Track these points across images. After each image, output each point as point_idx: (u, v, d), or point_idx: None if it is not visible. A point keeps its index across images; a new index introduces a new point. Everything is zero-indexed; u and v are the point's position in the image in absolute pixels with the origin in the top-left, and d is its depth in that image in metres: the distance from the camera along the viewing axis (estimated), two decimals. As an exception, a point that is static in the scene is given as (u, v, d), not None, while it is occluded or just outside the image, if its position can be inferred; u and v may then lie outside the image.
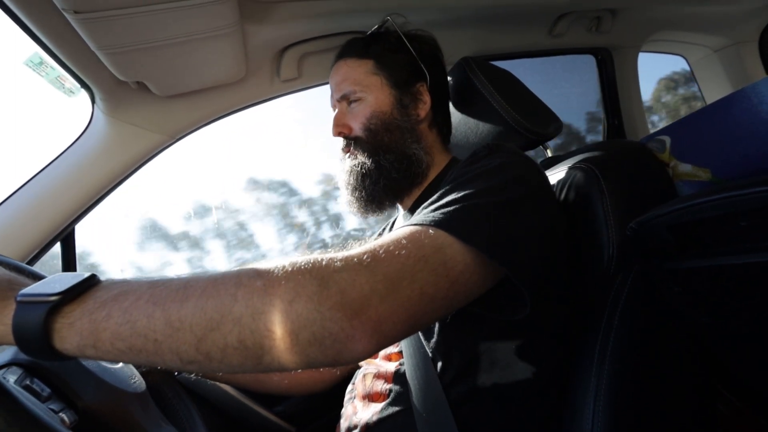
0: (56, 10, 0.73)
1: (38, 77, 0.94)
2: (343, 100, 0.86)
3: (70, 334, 0.42)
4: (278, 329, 0.42)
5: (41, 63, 0.92)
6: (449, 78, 1.00)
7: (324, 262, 0.46)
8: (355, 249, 0.49)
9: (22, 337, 0.42)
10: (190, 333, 0.42)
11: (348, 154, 0.85)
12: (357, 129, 0.83)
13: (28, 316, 0.42)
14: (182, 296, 0.43)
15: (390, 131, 0.83)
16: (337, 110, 0.87)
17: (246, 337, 0.42)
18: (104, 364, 0.63)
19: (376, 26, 0.92)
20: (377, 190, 0.82)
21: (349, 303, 0.43)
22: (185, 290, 0.44)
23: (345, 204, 0.87)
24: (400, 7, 1.07)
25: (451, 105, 1.00)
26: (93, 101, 1.06)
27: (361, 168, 0.82)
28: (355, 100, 0.84)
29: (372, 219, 0.95)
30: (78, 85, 1.00)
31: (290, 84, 1.20)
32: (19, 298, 0.43)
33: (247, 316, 0.42)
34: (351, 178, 0.83)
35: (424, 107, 0.86)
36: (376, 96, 0.84)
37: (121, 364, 0.66)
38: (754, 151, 0.62)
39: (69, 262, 1.12)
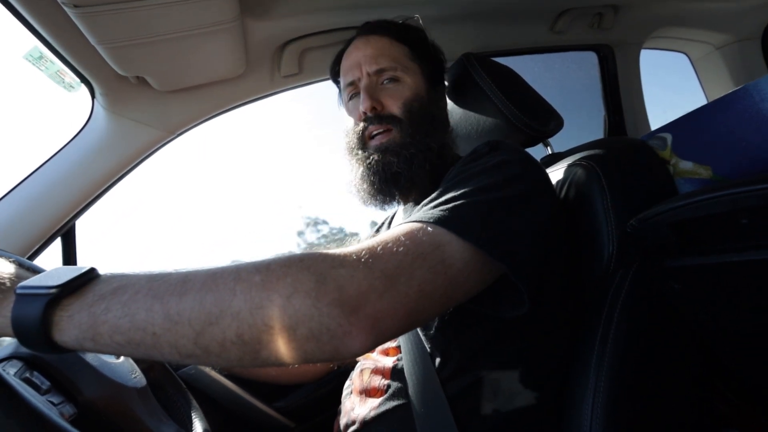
0: (56, 4, 0.73)
1: (38, 71, 0.94)
2: (376, 75, 0.80)
3: (68, 326, 0.42)
4: (276, 324, 0.42)
5: (41, 57, 0.92)
6: (451, 74, 1.00)
7: (322, 259, 0.46)
8: (354, 246, 0.49)
9: (20, 329, 0.42)
10: (188, 327, 0.42)
11: (380, 132, 0.78)
12: (395, 108, 0.78)
13: (27, 309, 0.42)
14: (181, 290, 0.43)
15: (428, 119, 0.80)
16: (366, 81, 0.80)
17: (244, 332, 0.42)
18: (105, 358, 0.63)
19: (401, 16, 0.92)
20: (421, 174, 0.77)
21: (346, 299, 0.43)
22: (184, 284, 0.44)
23: (364, 190, 0.79)
24: (403, 2, 1.07)
25: (452, 101, 1.00)
26: (93, 96, 1.06)
27: (407, 149, 0.76)
28: (392, 79, 0.80)
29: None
30: (78, 80, 1.00)
31: (291, 79, 1.20)
32: (18, 291, 0.43)
33: (245, 311, 0.42)
34: (391, 158, 0.76)
35: (445, 108, 0.88)
36: (415, 81, 0.81)
37: (122, 359, 0.67)
38: (755, 148, 0.62)
39: (69, 257, 1.13)
